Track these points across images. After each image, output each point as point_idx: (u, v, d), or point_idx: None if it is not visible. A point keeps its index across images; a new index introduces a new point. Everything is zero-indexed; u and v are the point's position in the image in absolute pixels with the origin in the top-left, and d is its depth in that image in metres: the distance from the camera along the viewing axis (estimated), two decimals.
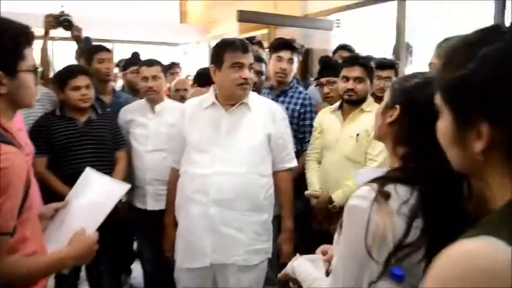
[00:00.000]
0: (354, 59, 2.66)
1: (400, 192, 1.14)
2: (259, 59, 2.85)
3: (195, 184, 2.21)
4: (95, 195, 1.69)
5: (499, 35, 0.76)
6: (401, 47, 3.80)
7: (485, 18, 3.70)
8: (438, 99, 0.84)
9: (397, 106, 1.26)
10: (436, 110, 1.23)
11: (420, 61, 4.11)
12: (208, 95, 2.36)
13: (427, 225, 1.12)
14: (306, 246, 2.70)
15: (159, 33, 7.23)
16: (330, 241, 2.67)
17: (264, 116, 2.29)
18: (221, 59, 2.20)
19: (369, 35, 5.29)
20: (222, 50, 2.22)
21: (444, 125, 0.84)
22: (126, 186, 1.78)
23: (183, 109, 2.44)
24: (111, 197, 1.66)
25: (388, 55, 4.19)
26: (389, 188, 1.16)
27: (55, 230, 1.63)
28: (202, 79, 3.19)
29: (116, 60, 4.13)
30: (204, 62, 6.94)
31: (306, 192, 2.81)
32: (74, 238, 1.49)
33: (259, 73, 2.83)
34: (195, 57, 7.41)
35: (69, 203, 1.68)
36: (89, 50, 3.43)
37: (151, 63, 3.07)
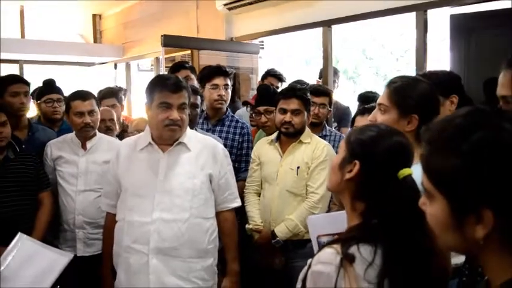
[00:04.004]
0: (292, 92, 2.65)
1: (363, 253, 1.15)
2: (194, 91, 2.74)
3: (134, 233, 2.07)
4: (34, 267, 1.53)
5: (486, 119, 0.76)
6: (329, 72, 3.88)
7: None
8: (427, 184, 0.82)
9: (356, 161, 1.24)
10: (393, 163, 1.24)
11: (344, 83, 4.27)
12: (144, 135, 2.22)
13: None
14: (248, 281, 2.67)
15: (73, 53, 6.82)
16: (272, 275, 2.66)
17: (205, 156, 2.19)
18: (152, 96, 2.10)
19: (293, 57, 5.39)
20: (153, 88, 2.12)
21: (436, 211, 0.81)
22: (69, 257, 1.62)
23: (117, 150, 2.26)
24: (52, 269, 1.51)
25: (315, 78, 4.30)
26: (353, 249, 1.15)
27: None
28: None
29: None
30: (122, 82, 6.67)
31: (247, 227, 2.75)
32: None
33: (193, 106, 2.71)
34: (112, 78, 7.09)
35: (1, 276, 1.49)
36: (2, 80, 3.09)
37: (85, 96, 2.81)
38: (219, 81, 3.12)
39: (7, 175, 2.56)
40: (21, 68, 6.43)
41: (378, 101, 1.73)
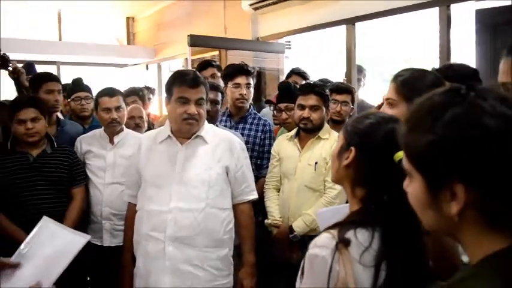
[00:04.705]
0: (310, 88, 2.68)
1: (360, 238, 1.15)
2: (214, 88, 2.81)
3: (151, 221, 2.15)
4: (53, 247, 1.63)
5: (460, 96, 0.78)
6: (353, 70, 3.88)
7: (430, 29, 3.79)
8: (406, 163, 0.84)
9: (352, 148, 1.26)
10: (390, 148, 1.25)
11: (372, 82, 4.24)
12: (164, 128, 2.30)
13: (391, 274, 1.13)
14: (267, 276, 2.71)
15: (107, 55, 7.06)
16: (290, 270, 2.68)
17: (222, 149, 2.26)
18: (170, 91, 2.18)
19: (320, 56, 5.39)
20: (171, 83, 2.20)
21: (415, 189, 0.83)
22: (86, 238, 1.72)
23: (139, 142, 2.36)
24: (69, 249, 1.60)
25: (341, 77, 4.30)
26: (350, 234, 1.16)
27: (8, 282, 1.56)
28: None
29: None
30: (153, 83, 6.85)
31: (266, 222, 2.79)
32: None
33: (214, 102, 2.79)
34: (144, 79, 7.29)
35: (24, 255, 1.60)
36: (37, 77, 3.23)
37: (112, 93, 2.93)
38: (241, 80, 3.16)
39: (43, 169, 2.66)
40: (58, 69, 6.70)
41: (386, 95, 1.72)
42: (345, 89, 3.22)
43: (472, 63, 3.21)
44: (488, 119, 0.72)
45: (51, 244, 1.66)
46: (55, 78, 3.25)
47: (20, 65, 3.44)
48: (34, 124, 2.63)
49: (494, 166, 0.72)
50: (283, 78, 4.84)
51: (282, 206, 2.75)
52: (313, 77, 4.09)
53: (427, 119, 0.78)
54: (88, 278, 3.25)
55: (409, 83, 1.65)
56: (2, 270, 1.57)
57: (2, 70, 3.12)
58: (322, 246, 1.16)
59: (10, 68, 3.05)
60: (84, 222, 2.92)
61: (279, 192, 2.83)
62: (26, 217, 2.51)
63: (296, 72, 4.08)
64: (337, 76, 4.62)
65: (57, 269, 1.54)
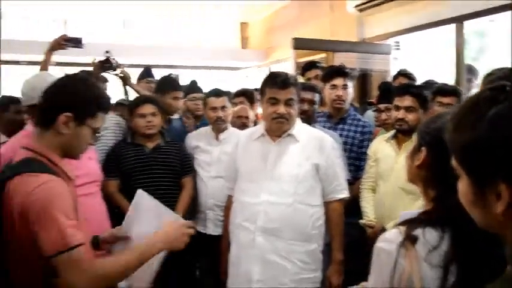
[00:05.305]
0: (405, 88, 2.64)
1: (428, 237, 1.14)
2: (311, 88, 2.91)
3: (244, 212, 2.31)
4: (150, 222, 1.76)
5: (505, 93, 0.77)
6: (461, 70, 3.70)
7: None
8: (453, 160, 0.84)
9: (423, 148, 1.25)
10: None
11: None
12: (260, 127, 2.46)
13: (461, 276, 1.11)
14: (359, 274, 2.71)
15: (222, 59, 7.51)
16: None
17: (312, 147, 2.34)
18: (263, 92, 2.33)
19: (429, 57, 5.18)
20: (264, 84, 2.34)
21: (463, 187, 0.84)
22: (176, 217, 1.84)
23: (238, 139, 2.55)
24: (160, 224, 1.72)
25: (451, 78, 4.10)
26: (418, 232, 1.16)
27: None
28: None
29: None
30: None
31: (360, 222, 2.81)
32: (165, 225, 1.61)
33: (311, 102, 2.88)
34: (256, 81, 7.60)
35: (130, 231, 1.80)
36: (168, 84, 3.58)
37: (219, 94, 3.21)
38: (337, 81, 3.18)
39: (156, 159, 3.00)
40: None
41: None
42: (450, 91, 3.05)
43: None
44: None
45: (148, 218, 1.80)
46: (181, 88, 3.63)
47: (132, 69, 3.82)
48: (153, 118, 2.99)
49: None
50: (390, 80, 4.74)
51: (377, 207, 2.75)
52: (422, 78, 3.96)
53: (470, 117, 0.78)
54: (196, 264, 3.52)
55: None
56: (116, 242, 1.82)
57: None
58: (389, 240, 1.17)
59: (118, 72, 3.41)
60: (192, 211, 3.21)
61: (374, 192, 2.83)
62: None
63: (403, 74, 3.98)
64: (448, 77, 4.41)
65: None
